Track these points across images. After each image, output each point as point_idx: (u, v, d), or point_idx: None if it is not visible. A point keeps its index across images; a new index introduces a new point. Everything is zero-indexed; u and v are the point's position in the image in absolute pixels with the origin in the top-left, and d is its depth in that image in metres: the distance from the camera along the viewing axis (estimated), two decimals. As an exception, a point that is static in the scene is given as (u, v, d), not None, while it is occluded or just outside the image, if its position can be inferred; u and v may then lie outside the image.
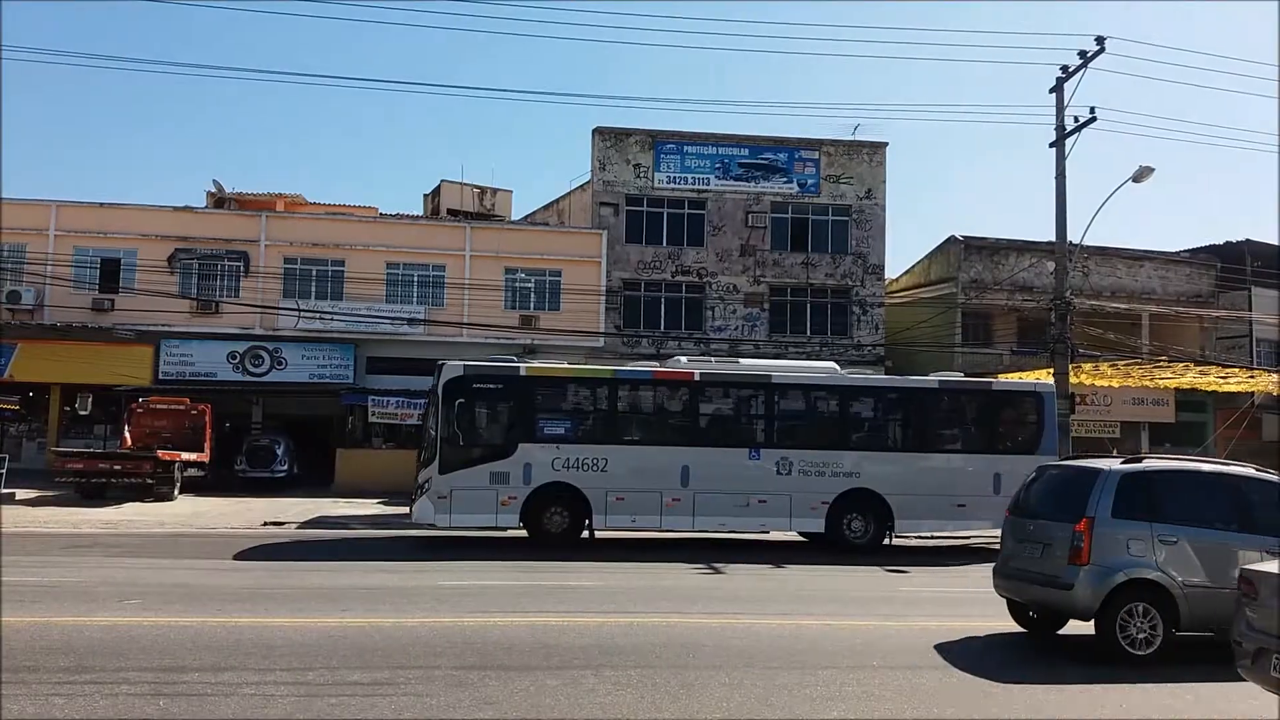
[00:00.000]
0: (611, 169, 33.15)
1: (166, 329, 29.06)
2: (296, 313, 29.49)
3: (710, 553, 16.09)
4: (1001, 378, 23.83)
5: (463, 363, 17.31)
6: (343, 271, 30.86)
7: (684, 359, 19.12)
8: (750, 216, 33.42)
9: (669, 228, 33.36)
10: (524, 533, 16.70)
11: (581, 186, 35.39)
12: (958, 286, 33.94)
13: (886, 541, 17.36)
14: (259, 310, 29.27)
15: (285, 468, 27.55)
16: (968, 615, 10.98)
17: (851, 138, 34.94)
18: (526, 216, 40.66)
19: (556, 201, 38.75)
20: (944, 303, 33.76)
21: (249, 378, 29.60)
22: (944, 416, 18.56)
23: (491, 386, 17.08)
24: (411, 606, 10.28)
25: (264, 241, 30.50)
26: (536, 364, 18.11)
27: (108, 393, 28.04)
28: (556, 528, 16.54)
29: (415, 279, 31.46)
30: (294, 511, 21.03)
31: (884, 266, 34.97)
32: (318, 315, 29.73)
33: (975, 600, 11.76)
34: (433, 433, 16.54)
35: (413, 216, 36.29)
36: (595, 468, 16.57)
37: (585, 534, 16.87)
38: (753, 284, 33.42)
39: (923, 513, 17.31)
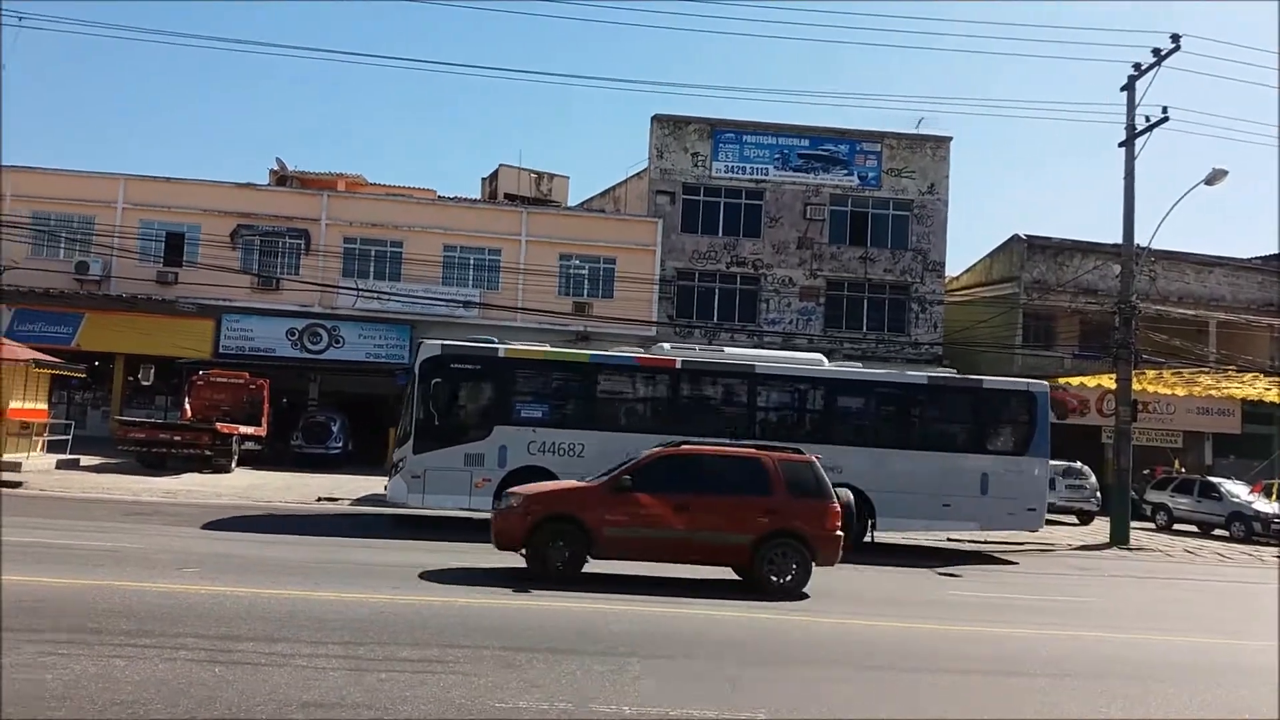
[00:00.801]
0: (669, 157, 33.05)
1: (228, 304, 29.65)
2: (355, 292, 29.89)
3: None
4: (1066, 381, 23.26)
5: (441, 342, 17.28)
6: (401, 253, 31.23)
7: (667, 346, 18.74)
8: (809, 208, 33.11)
9: (725, 218, 33.18)
10: None
11: (638, 174, 35.36)
12: (1020, 286, 33.33)
13: (868, 539, 17.06)
14: (318, 288, 29.72)
15: (340, 445, 27.91)
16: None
17: (915, 131, 34.42)
18: (583, 203, 40.74)
19: (613, 189, 38.76)
20: (1005, 303, 33.16)
21: (307, 355, 30.10)
22: (932, 414, 18.17)
23: (469, 367, 16.90)
24: (460, 585, 10.34)
25: (325, 220, 30.97)
26: (515, 345, 17.71)
27: (169, 364, 28.67)
28: None
29: (471, 262, 31.71)
30: (347, 488, 21.37)
31: (944, 264, 34.48)
32: (375, 295, 30.11)
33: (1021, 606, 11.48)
34: (409, 412, 16.50)
35: (470, 200, 36.55)
36: (572, 452, 16.42)
37: None
38: (809, 277, 33.13)
39: (906, 511, 16.98)
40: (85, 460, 22.55)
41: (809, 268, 33.24)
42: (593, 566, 11.21)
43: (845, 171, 33.62)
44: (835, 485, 16.51)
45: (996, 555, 18.33)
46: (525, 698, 6.33)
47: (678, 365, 17.22)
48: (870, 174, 33.81)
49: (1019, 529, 18.22)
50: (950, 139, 34.54)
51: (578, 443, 16.47)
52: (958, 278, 38.03)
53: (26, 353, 21.71)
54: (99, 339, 28.98)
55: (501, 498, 12.36)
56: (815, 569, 11.35)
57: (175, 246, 30.17)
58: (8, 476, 19.03)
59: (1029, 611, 11.86)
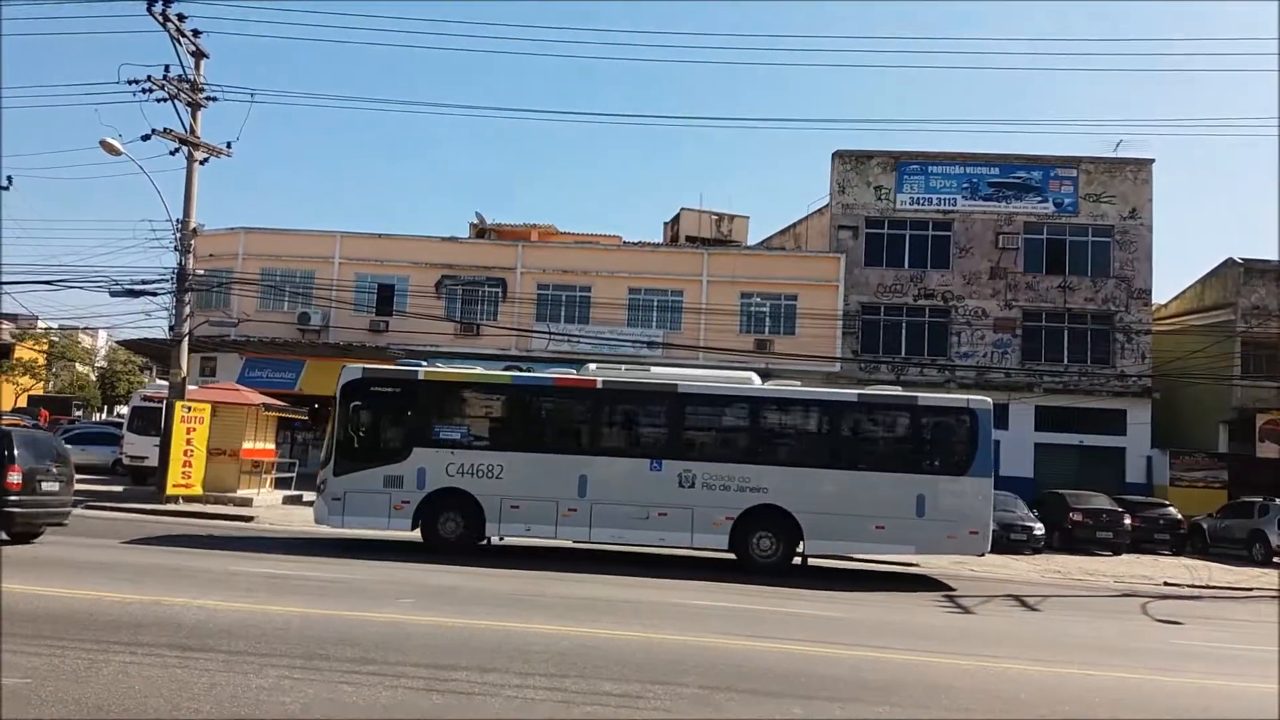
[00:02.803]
0: (851, 192, 32.70)
1: (434, 349, 31.47)
2: (547, 335, 31.11)
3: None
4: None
5: (362, 365, 17.47)
6: (589, 296, 32.27)
7: (593, 366, 18.17)
8: (1001, 238, 31.92)
9: (911, 250, 32.45)
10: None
11: (819, 210, 35.15)
12: (1236, 313, 30.87)
13: (797, 562, 16.30)
14: (515, 333, 31.14)
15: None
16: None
17: (1113, 154, 32.71)
18: (763, 241, 40.84)
19: (793, 226, 38.66)
20: (1220, 331, 30.71)
21: (505, 396, 31.44)
22: (864, 432, 17.18)
23: (388, 390, 16.86)
24: (655, 621, 10.53)
25: (520, 269, 32.49)
26: (435, 369, 17.52)
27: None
28: (450, 534, 16.31)
29: (655, 304, 32.35)
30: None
31: (1150, 291, 32.37)
32: (566, 338, 31.21)
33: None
34: (331, 435, 16.66)
35: (654, 244, 37.37)
36: (490, 474, 16.20)
37: (484, 541, 16.77)
38: (1003, 308, 31.84)
39: (836, 533, 16.19)
40: (307, 496, 24.37)
41: (1003, 298, 31.95)
42: (766, 603, 11.12)
43: (1039, 198, 32.24)
44: (761, 506, 16.15)
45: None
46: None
47: (598, 385, 16.85)
48: (1066, 200, 32.27)
49: (960, 553, 17.03)
50: (1152, 161, 32.55)
51: (497, 464, 16.31)
52: (1165, 305, 35.68)
53: (257, 397, 23.88)
54: (318, 383, 31.29)
55: None
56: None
57: (386, 297, 32.40)
58: (242, 511, 20.91)
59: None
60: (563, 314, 32.28)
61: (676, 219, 41.44)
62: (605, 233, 38.55)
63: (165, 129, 21.50)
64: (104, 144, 20.29)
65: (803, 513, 16.18)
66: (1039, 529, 24.08)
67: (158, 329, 26.94)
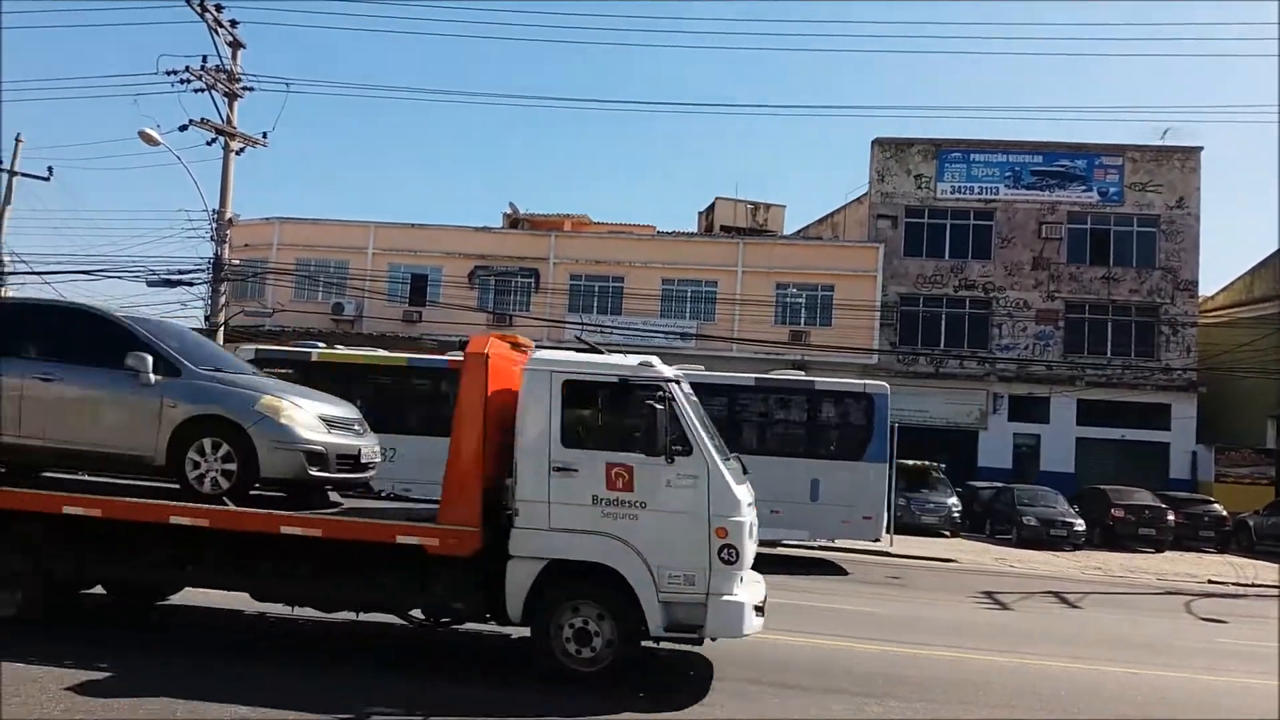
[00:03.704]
0: (890, 180, 32.25)
1: (466, 340, 31.50)
2: (580, 326, 30.99)
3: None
4: None
5: (254, 347, 17.16)
6: (622, 287, 32.13)
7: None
8: (1044, 227, 31.33)
9: (952, 240, 31.94)
10: None
11: (858, 199, 34.73)
12: (1287, 305, 30.00)
13: None
14: (547, 324, 31.07)
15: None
16: None
17: (1160, 142, 31.92)
18: (799, 231, 40.46)
19: (830, 215, 38.26)
20: (1270, 324, 29.90)
21: (536, 386, 31.45)
22: (759, 416, 16.96)
23: (280, 372, 16.69)
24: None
25: (553, 259, 32.42)
26: (329, 350, 17.19)
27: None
28: None
29: (689, 294, 32.13)
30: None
31: (1197, 282, 31.61)
32: (598, 329, 31.08)
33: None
34: None
35: (688, 234, 37.10)
36: (384, 457, 16.06)
37: None
38: (1046, 299, 31.27)
39: None
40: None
41: (1045, 289, 31.36)
42: (810, 600, 10.91)
43: (1084, 187, 31.59)
44: None
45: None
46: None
47: None
48: (1112, 189, 31.59)
49: (854, 538, 16.81)
50: (1200, 149, 31.75)
51: (390, 447, 16.15)
52: (1213, 297, 34.83)
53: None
54: (353, 374, 31.52)
55: None
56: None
57: (419, 288, 32.47)
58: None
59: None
60: (595, 305, 32.16)
61: (711, 208, 41.17)
62: (639, 223, 38.37)
63: (202, 119, 21.62)
64: (143, 134, 20.42)
65: None
66: (1079, 525, 23.66)
67: (194, 319, 27.11)
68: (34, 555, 7.46)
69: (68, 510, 7.24)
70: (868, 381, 17.19)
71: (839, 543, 17.52)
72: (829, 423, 16.88)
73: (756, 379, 17.00)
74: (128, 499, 7.35)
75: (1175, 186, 31.45)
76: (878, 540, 16.75)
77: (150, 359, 7.41)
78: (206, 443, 7.38)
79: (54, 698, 6.05)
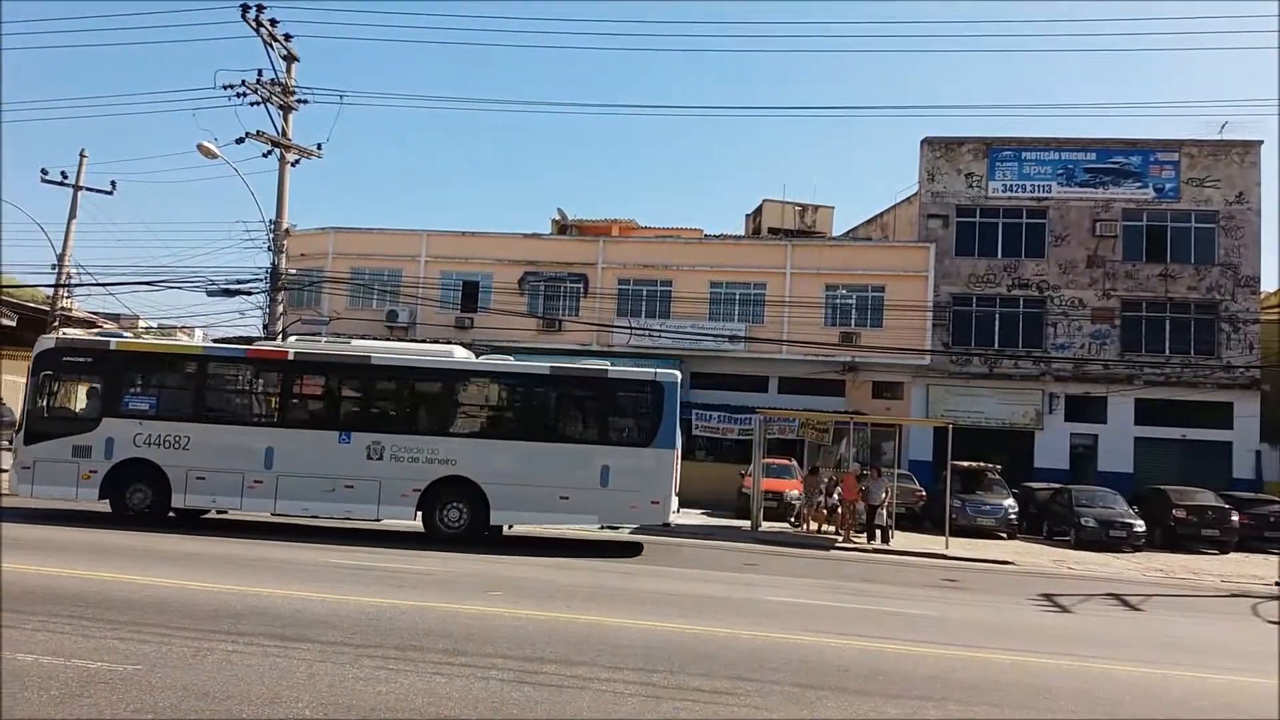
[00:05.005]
0: (941, 179, 31.94)
1: (517, 345, 31.84)
2: (629, 330, 31.17)
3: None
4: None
5: (56, 335, 17.41)
6: (670, 291, 32.20)
7: (294, 338, 17.77)
8: (1098, 225, 30.82)
9: (1004, 239, 31.55)
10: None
11: (908, 199, 34.45)
12: (1354, 300, 29.15)
13: (489, 532, 16.72)
14: (596, 328, 31.27)
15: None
16: None
17: (1218, 137, 31.29)
18: (848, 232, 40.22)
19: (880, 215, 37.98)
20: (1336, 319, 29.14)
21: (587, 391, 31.63)
22: (552, 404, 17.17)
23: (81, 360, 16.71)
24: (740, 619, 10.42)
25: (601, 264, 32.59)
26: (127, 339, 17.37)
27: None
28: (138, 505, 16.19)
29: (737, 297, 32.09)
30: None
31: (1259, 278, 30.85)
32: (647, 332, 31.21)
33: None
34: (24, 405, 16.60)
35: (735, 237, 37.09)
36: (177, 445, 16.11)
37: (171, 514, 16.51)
38: (1101, 298, 30.74)
39: (522, 503, 16.26)
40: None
41: (1101, 287, 30.83)
42: (873, 604, 10.89)
43: (1139, 184, 31.01)
44: (450, 478, 16.11)
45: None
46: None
47: (290, 356, 16.78)
48: (1168, 185, 30.97)
49: (642, 523, 17.02)
50: (1260, 143, 31.02)
51: (184, 435, 16.22)
52: (1275, 293, 34.00)
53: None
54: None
55: None
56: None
57: (471, 294, 32.86)
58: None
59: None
60: (644, 309, 32.26)
61: (758, 210, 41.11)
62: (686, 226, 38.43)
63: (258, 132, 22.16)
64: (201, 148, 20.99)
65: (489, 484, 16.29)
66: (1140, 526, 23.24)
67: (252, 327, 27.78)
68: None
69: None
70: (658, 370, 17.40)
71: (896, 542, 17.40)
72: (620, 411, 17.11)
73: (551, 368, 17.28)
74: None
75: (1234, 181, 30.77)
76: (667, 525, 16.94)
77: None
78: None
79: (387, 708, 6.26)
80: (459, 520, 16.36)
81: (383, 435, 16.41)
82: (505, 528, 17.58)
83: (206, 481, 16.22)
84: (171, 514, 16.55)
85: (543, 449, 16.58)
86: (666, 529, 17.65)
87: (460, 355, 17.72)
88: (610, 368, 17.21)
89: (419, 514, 16.41)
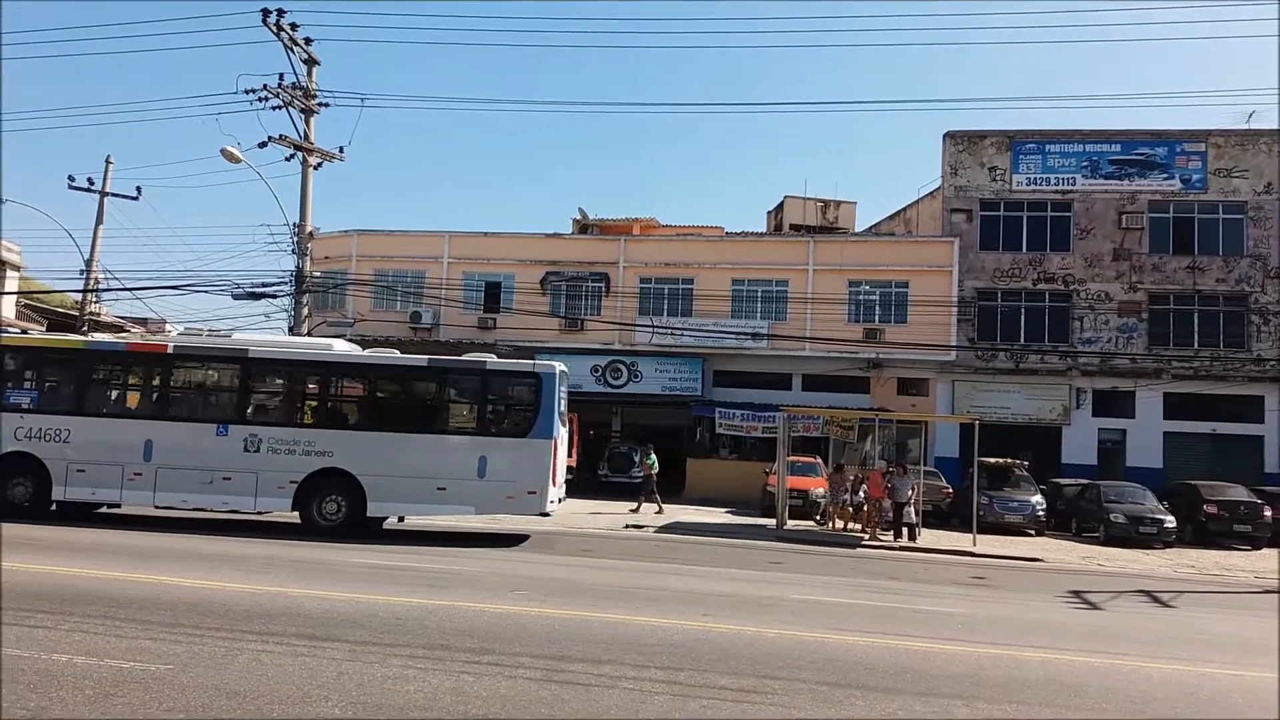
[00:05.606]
0: (964, 173, 31.72)
1: (539, 345, 31.95)
2: (650, 329, 31.16)
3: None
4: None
5: None
6: (692, 289, 32.19)
7: (175, 331, 17.57)
8: (1124, 217, 30.52)
9: (1029, 232, 31.31)
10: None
11: (931, 194, 34.26)
12: (1388, 290, 28.70)
13: (369, 524, 16.70)
14: (619, 327, 31.29)
15: (641, 474, 29.15)
16: None
17: (1245, 126, 30.87)
18: (871, 227, 40.04)
19: (903, 210, 37.78)
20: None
21: (609, 389, 31.72)
22: (430, 396, 17.32)
23: None
24: (766, 617, 10.40)
25: (622, 263, 32.61)
26: (10, 335, 17.64)
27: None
28: (19, 499, 16.20)
29: (759, 294, 32.03)
30: (651, 516, 22.18)
31: (1290, 269, 30.46)
32: (669, 331, 31.21)
33: None
34: None
35: (757, 234, 37.04)
36: (58, 438, 16.24)
37: (52, 506, 16.50)
38: (1128, 291, 30.43)
39: (399, 495, 16.23)
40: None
41: (1127, 281, 30.52)
42: (905, 602, 10.82)
43: (1164, 175, 30.67)
44: (327, 470, 15.99)
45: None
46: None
47: (169, 350, 16.92)
48: (1194, 176, 30.61)
49: (518, 513, 16.71)
50: (1288, 131, 30.66)
51: (65, 428, 16.33)
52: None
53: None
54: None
55: None
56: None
57: (493, 295, 33.00)
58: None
59: None
60: (665, 307, 32.26)
61: (780, 207, 41.00)
62: (707, 224, 38.39)
63: (281, 135, 22.33)
64: (225, 152, 21.18)
65: (366, 475, 16.22)
66: (1170, 522, 22.98)
67: (277, 330, 28.04)
68: None
69: None
70: (537, 362, 17.50)
71: (925, 540, 17.28)
72: (498, 402, 17.16)
73: (430, 360, 17.27)
74: None
75: (1263, 171, 30.38)
76: (544, 514, 16.78)
77: None
78: None
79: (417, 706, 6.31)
80: (336, 513, 16.35)
81: (260, 428, 16.53)
82: (389, 520, 17.75)
83: (87, 474, 16.36)
84: (53, 506, 16.68)
85: (420, 440, 16.65)
86: (546, 518, 17.45)
87: (341, 349, 17.79)
88: (491, 359, 17.21)
89: (296, 506, 16.42)
